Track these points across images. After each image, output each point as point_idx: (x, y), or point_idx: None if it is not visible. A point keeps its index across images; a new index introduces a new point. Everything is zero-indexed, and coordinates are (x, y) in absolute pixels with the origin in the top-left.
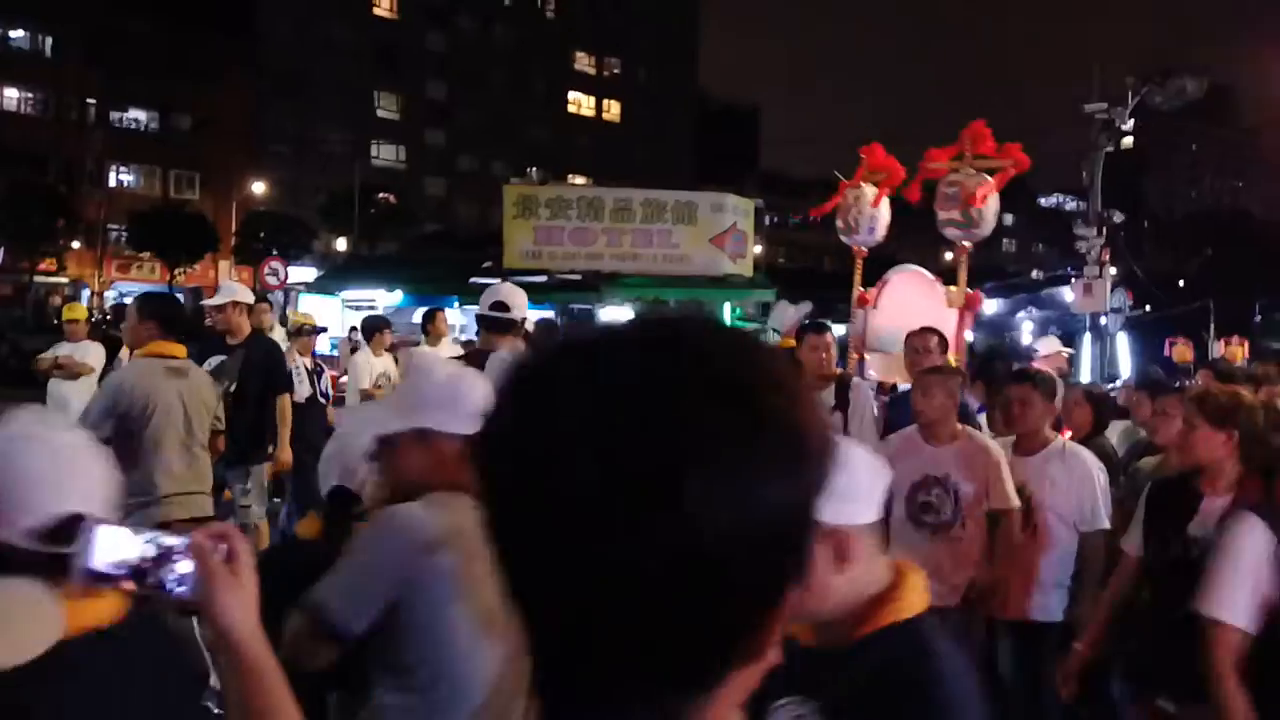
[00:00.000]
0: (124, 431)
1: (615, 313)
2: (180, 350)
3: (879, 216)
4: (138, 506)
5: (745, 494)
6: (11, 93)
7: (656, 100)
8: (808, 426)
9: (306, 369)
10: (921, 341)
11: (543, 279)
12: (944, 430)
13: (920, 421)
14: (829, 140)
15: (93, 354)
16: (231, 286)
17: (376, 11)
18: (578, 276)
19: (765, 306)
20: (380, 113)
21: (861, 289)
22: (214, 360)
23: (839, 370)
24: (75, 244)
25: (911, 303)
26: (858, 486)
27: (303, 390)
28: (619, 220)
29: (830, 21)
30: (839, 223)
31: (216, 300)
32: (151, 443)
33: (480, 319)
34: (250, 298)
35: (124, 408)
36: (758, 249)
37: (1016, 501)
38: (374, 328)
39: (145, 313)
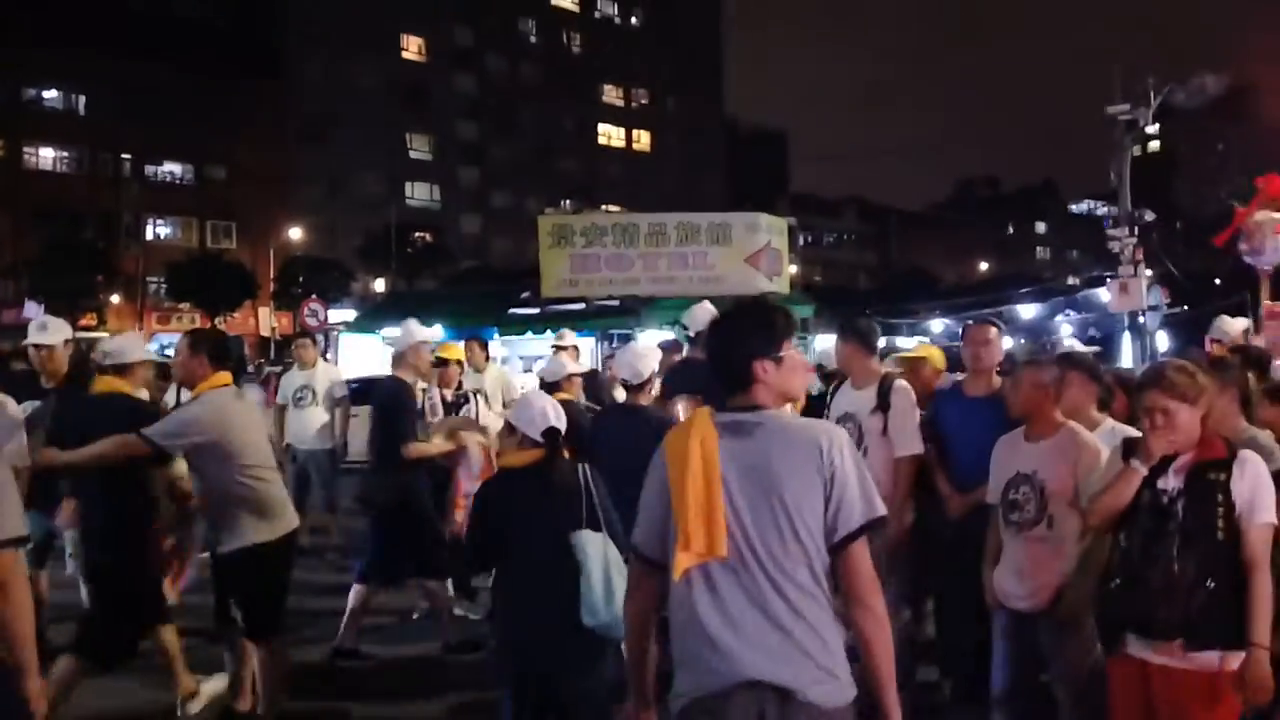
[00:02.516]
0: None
1: (654, 336)
2: (229, 379)
3: None
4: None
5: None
6: (47, 152)
7: (685, 128)
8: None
9: (444, 400)
10: (980, 334)
11: (581, 306)
12: (1039, 424)
13: (1013, 415)
14: (857, 160)
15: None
16: (44, 321)
17: (405, 55)
18: (616, 302)
19: (805, 323)
20: (413, 154)
21: (1269, 302)
22: (28, 405)
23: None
24: (115, 298)
25: None
26: None
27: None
28: (654, 245)
29: (850, 44)
30: (1243, 245)
31: (41, 339)
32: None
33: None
34: (63, 335)
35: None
36: (793, 268)
37: None
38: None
39: (197, 347)
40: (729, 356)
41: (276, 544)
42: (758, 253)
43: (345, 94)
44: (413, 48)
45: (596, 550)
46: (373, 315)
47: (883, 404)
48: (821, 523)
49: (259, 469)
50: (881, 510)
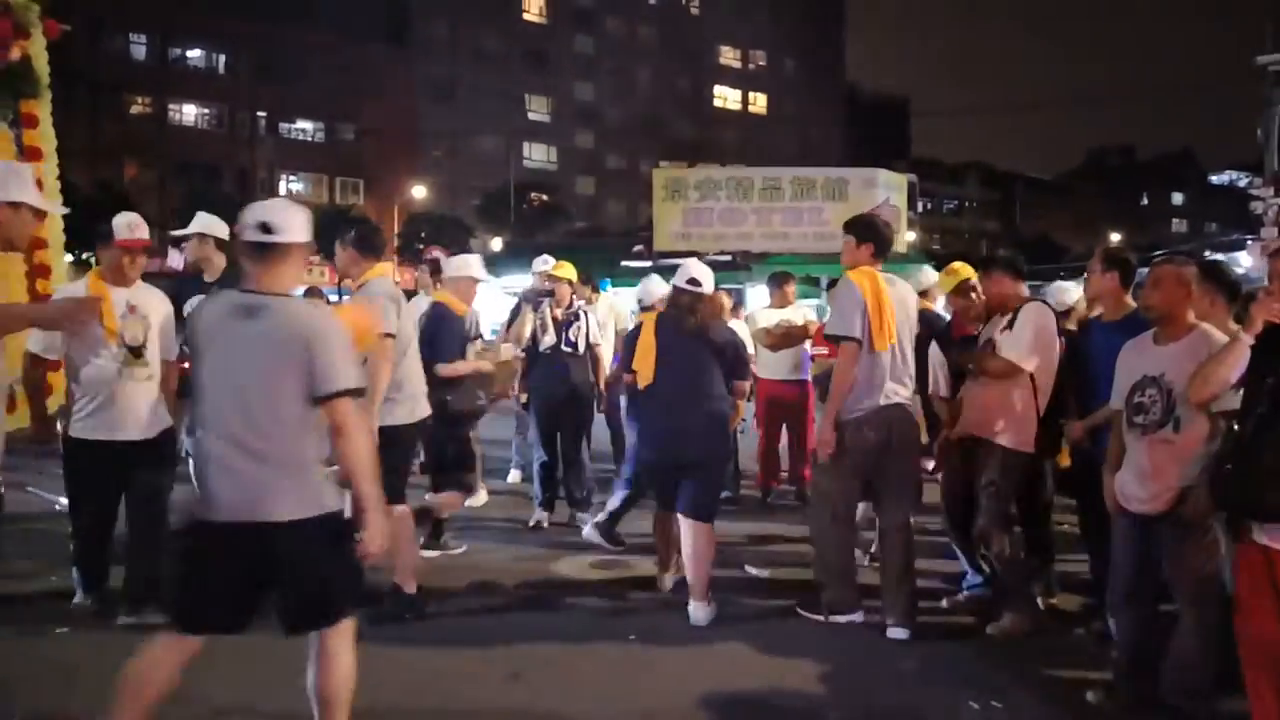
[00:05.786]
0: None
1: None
2: (387, 269)
3: None
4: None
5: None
6: (190, 109)
7: (803, 92)
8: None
9: (554, 320)
10: (1092, 264)
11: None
12: (1172, 326)
13: (1149, 317)
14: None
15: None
16: (202, 217)
17: (526, 17)
18: (728, 257)
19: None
20: (531, 115)
21: None
22: (194, 301)
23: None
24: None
25: None
26: None
27: (546, 339)
28: (768, 199)
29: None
30: None
31: (186, 230)
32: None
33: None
34: (223, 231)
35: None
36: (911, 235)
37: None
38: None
39: (345, 241)
40: None
41: (410, 427)
42: (875, 210)
43: (468, 56)
44: (534, 9)
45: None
46: (491, 263)
47: (1010, 324)
48: None
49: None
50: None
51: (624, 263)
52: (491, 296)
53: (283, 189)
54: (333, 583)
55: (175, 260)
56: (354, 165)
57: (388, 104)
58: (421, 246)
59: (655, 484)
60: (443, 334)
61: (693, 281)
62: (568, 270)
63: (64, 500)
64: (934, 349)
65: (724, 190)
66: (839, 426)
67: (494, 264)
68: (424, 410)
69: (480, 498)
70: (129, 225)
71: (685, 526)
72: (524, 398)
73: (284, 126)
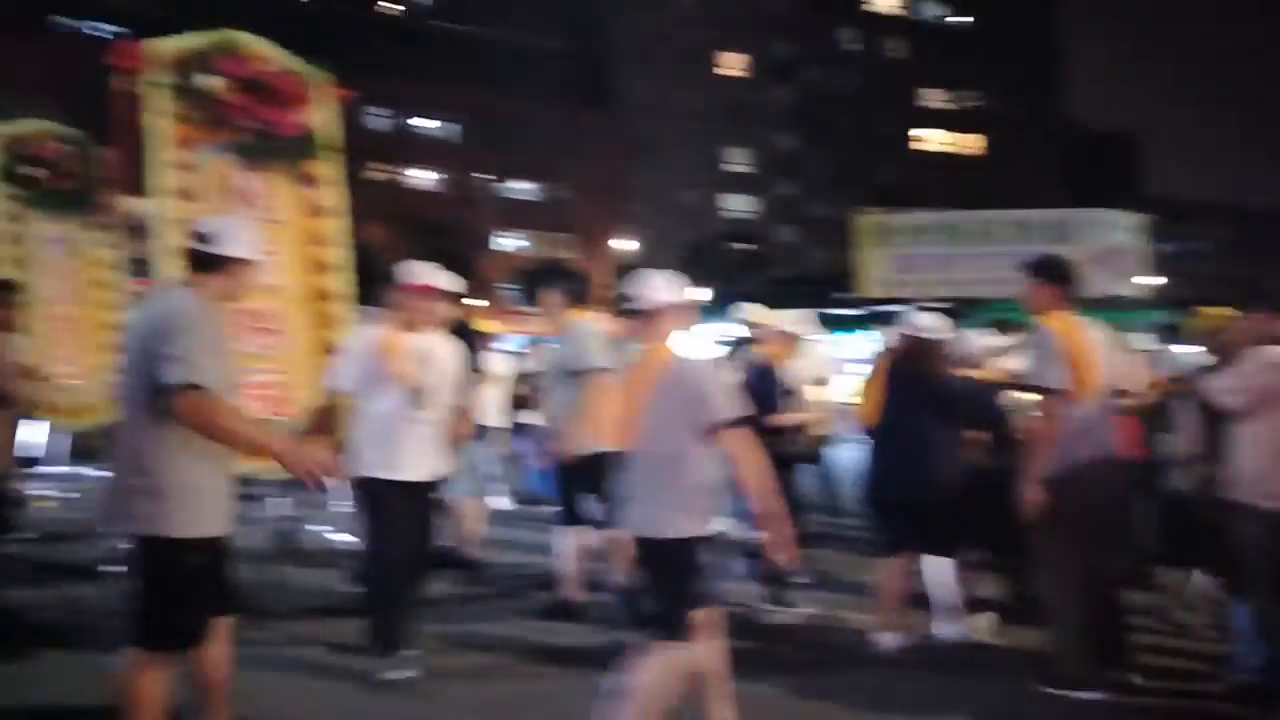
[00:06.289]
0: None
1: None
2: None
3: None
4: None
5: None
6: (423, 174)
7: (1016, 132)
8: None
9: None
10: None
11: (903, 308)
12: None
13: None
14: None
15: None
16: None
17: (724, 72)
18: (940, 304)
19: (1173, 328)
20: (731, 167)
21: None
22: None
23: None
24: (479, 301)
25: None
26: None
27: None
28: (981, 243)
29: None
30: None
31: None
32: None
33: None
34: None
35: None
36: (1148, 279)
37: None
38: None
39: (556, 288)
40: None
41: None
42: (1104, 252)
43: (669, 114)
44: (732, 64)
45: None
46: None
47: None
48: None
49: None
50: None
51: (827, 310)
52: (699, 344)
53: (506, 245)
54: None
55: None
56: (567, 221)
57: (597, 163)
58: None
59: (887, 526)
60: (767, 386)
61: (920, 328)
62: (767, 317)
63: (347, 537)
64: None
65: (933, 235)
66: (1049, 485)
67: (699, 313)
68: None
69: None
70: (416, 271)
71: (926, 562)
72: None
73: (507, 187)
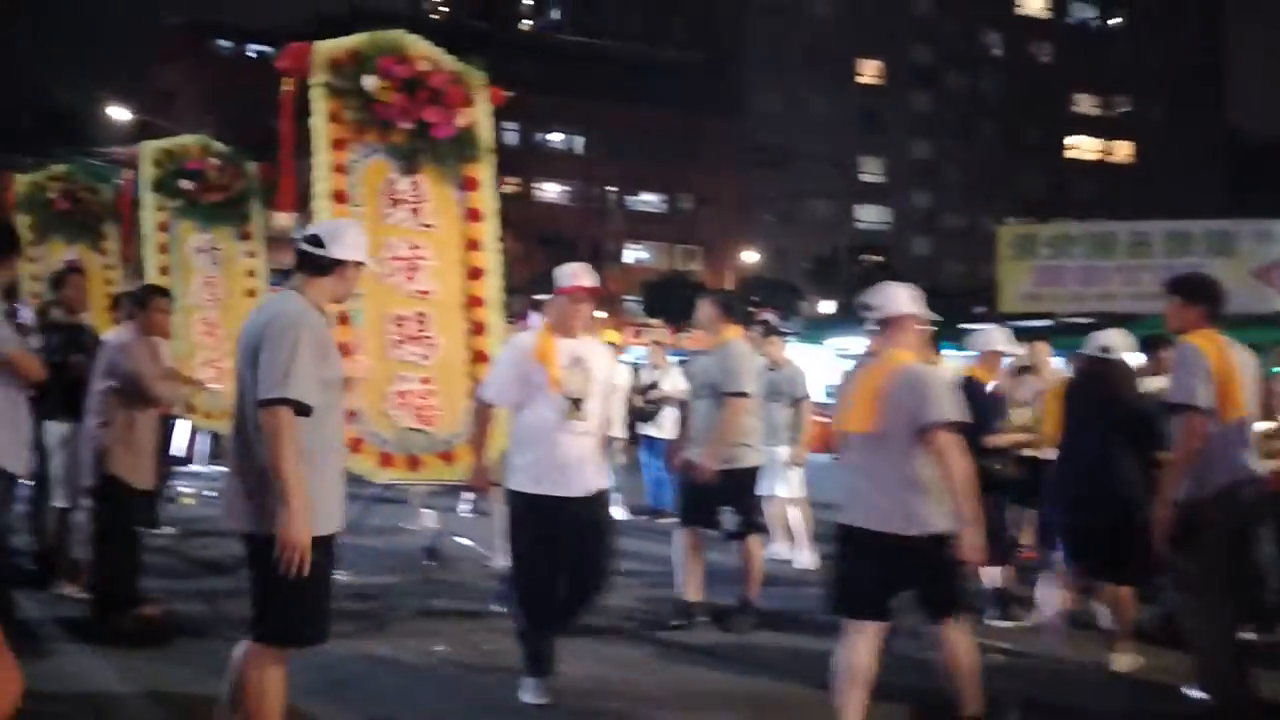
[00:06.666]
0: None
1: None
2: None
3: None
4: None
5: None
6: (550, 187)
7: (1175, 139)
8: None
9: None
10: None
11: (1047, 323)
12: None
13: None
14: None
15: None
16: None
17: (860, 80)
18: (1087, 319)
19: None
20: (864, 176)
21: None
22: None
23: None
24: (599, 314)
25: None
26: None
27: None
28: (1136, 256)
29: None
30: None
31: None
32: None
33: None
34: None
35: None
36: None
37: None
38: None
39: (714, 305)
40: None
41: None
42: (1270, 266)
43: (800, 123)
44: (868, 71)
45: None
46: (820, 326)
47: None
48: None
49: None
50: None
51: (961, 325)
52: (823, 360)
53: (628, 257)
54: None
55: (534, 321)
56: (692, 233)
57: (723, 173)
58: (753, 309)
59: (1079, 551)
60: (980, 405)
61: (1104, 349)
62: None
63: (500, 559)
64: None
65: (1081, 247)
66: (1190, 506)
67: (824, 327)
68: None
69: (808, 560)
70: (573, 273)
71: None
72: None
73: (630, 199)
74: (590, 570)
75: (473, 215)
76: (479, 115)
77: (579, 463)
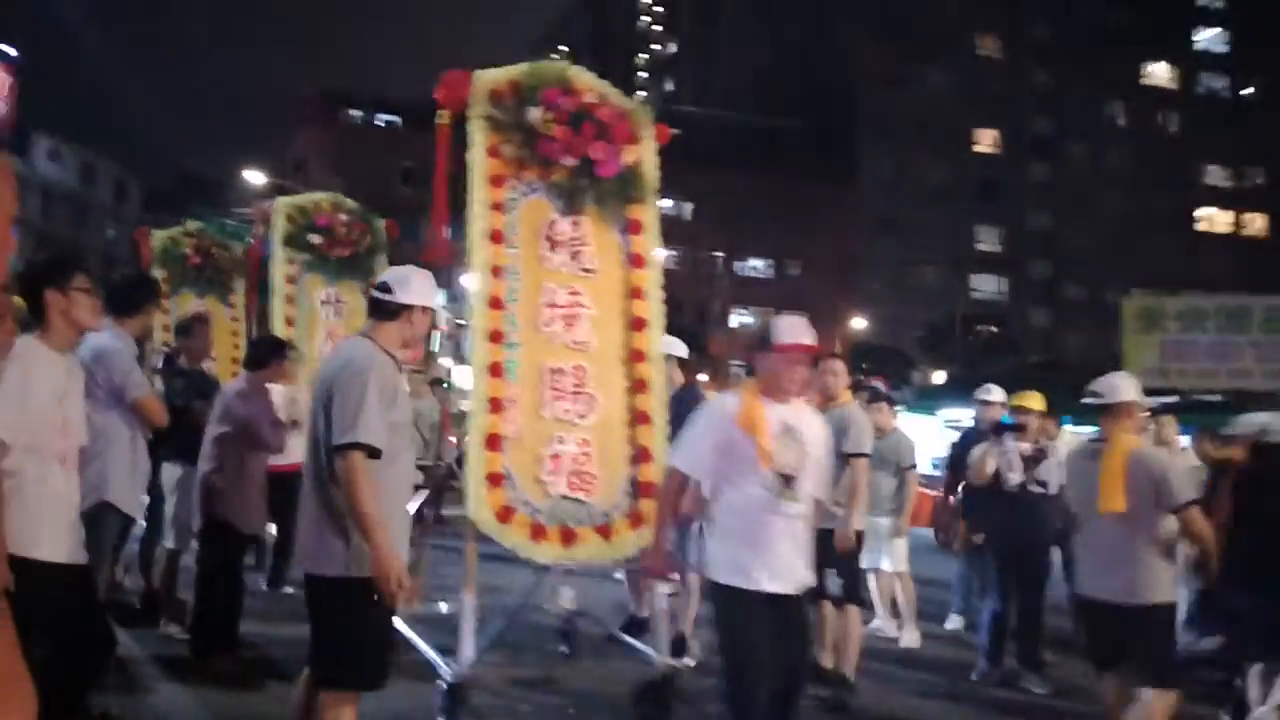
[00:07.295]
0: None
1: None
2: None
3: None
4: None
5: None
6: (661, 251)
7: None
8: None
9: (1022, 453)
10: None
11: (1173, 399)
12: None
13: None
14: None
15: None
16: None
17: (977, 149)
18: (1218, 397)
19: None
20: (979, 245)
21: None
22: None
23: None
24: (702, 376)
25: None
26: None
27: (1013, 477)
28: (1271, 331)
29: None
30: None
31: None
32: None
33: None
34: (682, 351)
35: None
36: None
37: None
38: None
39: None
40: None
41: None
42: None
43: (913, 190)
44: (985, 141)
45: None
46: (932, 395)
47: None
48: None
49: None
50: None
51: (1085, 400)
52: (931, 430)
53: (733, 321)
54: None
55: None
56: (798, 299)
57: (832, 240)
58: (863, 376)
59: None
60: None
61: (1269, 430)
62: (1035, 401)
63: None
64: None
65: (1213, 321)
66: None
67: (935, 397)
68: None
69: (913, 638)
70: (790, 328)
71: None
72: (978, 538)
73: (737, 265)
74: (791, 677)
75: (635, 261)
76: (645, 153)
77: (786, 552)
